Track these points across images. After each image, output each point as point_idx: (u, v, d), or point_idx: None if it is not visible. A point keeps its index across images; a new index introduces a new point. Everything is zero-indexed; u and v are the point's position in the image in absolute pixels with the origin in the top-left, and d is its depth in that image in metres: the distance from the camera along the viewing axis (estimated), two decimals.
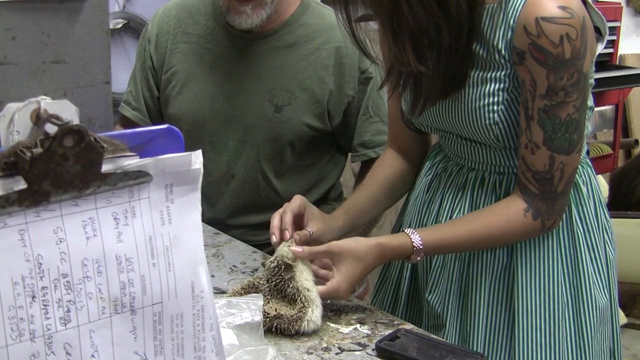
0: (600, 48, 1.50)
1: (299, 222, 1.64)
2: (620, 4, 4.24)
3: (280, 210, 1.62)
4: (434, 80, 1.48)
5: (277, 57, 2.14)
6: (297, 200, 1.64)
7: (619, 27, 4.01)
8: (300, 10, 2.18)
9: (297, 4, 2.19)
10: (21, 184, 0.89)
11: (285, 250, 1.54)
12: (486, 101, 1.48)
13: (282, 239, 1.57)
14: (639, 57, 4.94)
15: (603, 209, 1.66)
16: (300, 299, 1.50)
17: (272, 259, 1.57)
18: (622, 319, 3.10)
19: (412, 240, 1.51)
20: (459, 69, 1.48)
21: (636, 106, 4.89)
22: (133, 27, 3.09)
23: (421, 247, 1.51)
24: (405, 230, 1.53)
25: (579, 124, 1.47)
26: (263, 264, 1.64)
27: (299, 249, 1.53)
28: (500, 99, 1.48)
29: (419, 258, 1.53)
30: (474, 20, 1.44)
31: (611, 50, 4.00)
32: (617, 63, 4.43)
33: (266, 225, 1.65)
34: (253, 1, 2.02)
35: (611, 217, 1.71)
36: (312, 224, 1.64)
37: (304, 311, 1.49)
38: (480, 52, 1.48)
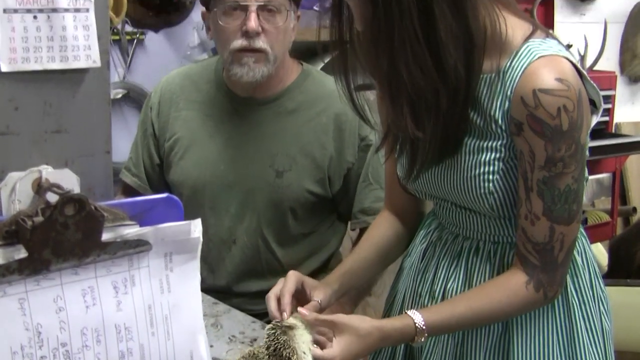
0: (595, 120, 1.51)
1: (300, 296, 1.63)
2: (614, 72, 4.29)
3: (276, 291, 1.61)
4: (430, 145, 1.49)
5: (278, 123, 2.16)
6: (293, 279, 1.63)
7: (614, 95, 4.05)
8: (302, 78, 2.21)
9: (298, 71, 2.22)
10: (22, 253, 0.90)
11: (287, 312, 1.54)
12: (482, 170, 1.49)
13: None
14: (635, 125, 4.98)
15: (598, 279, 1.66)
16: None
17: (272, 324, 1.56)
18: None
19: (415, 320, 1.49)
20: (454, 134, 1.49)
21: (633, 174, 4.91)
22: (133, 97, 3.13)
23: (424, 327, 1.49)
24: (407, 312, 1.52)
25: (578, 194, 1.47)
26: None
27: (306, 312, 1.52)
28: (496, 168, 1.48)
29: (422, 339, 1.51)
30: (471, 86, 1.45)
31: (607, 118, 4.03)
32: (613, 131, 4.46)
33: (265, 294, 1.64)
34: (257, 54, 2.05)
35: (611, 285, 1.70)
36: (317, 293, 1.63)
37: None
38: (477, 120, 1.48)
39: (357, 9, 1.44)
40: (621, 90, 4.85)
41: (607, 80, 3.96)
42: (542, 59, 1.41)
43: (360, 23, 1.45)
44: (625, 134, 4.62)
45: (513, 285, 1.50)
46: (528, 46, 1.43)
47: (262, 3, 2.02)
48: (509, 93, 1.43)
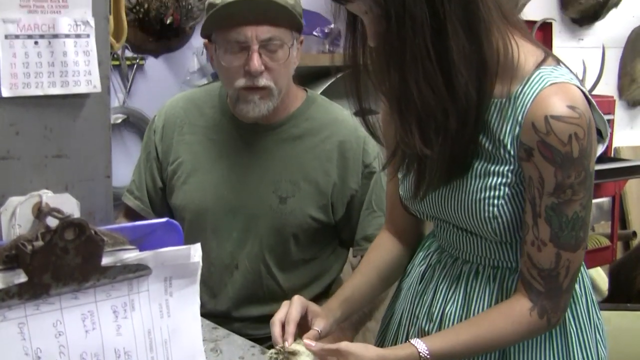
0: (600, 150, 1.51)
1: (302, 321, 1.62)
2: (613, 97, 4.31)
3: (280, 316, 1.61)
4: (438, 164, 1.48)
5: (282, 149, 2.16)
6: (298, 305, 1.62)
7: (613, 119, 4.06)
8: (306, 105, 2.22)
9: (303, 98, 2.23)
10: (22, 277, 0.90)
11: (290, 341, 1.54)
12: (487, 194, 1.49)
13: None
14: (634, 149, 4.99)
15: (595, 306, 1.66)
16: None
17: (275, 349, 1.56)
18: None
19: (419, 349, 1.49)
20: (463, 156, 1.49)
21: (633, 198, 4.91)
22: (133, 122, 3.13)
23: (428, 356, 1.49)
24: (411, 340, 1.52)
25: (585, 221, 1.47)
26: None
27: (311, 343, 1.53)
28: (502, 193, 1.48)
29: None
30: (482, 109, 1.45)
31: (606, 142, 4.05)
32: (612, 155, 4.47)
33: (267, 319, 1.64)
34: (262, 91, 2.05)
35: (611, 309, 1.70)
36: (318, 321, 1.63)
37: None
38: (486, 144, 1.48)
39: (370, 25, 1.44)
40: (620, 114, 4.87)
41: (606, 105, 3.97)
42: (554, 86, 1.41)
43: (373, 39, 1.46)
44: (624, 158, 4.63)
45: (517, 312, 1.50)
46: (540, 73, 1.44)
47: (264, 41, 2.01)
48: (519, 118, 1.43)
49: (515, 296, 1.52)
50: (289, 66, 2.09)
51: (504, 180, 1.47)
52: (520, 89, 1.44)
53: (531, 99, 1.41)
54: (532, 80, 1.43)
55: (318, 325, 1.62)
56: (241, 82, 2.04)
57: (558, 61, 1.49)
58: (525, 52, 1.46)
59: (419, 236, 1.82)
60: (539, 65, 1.45)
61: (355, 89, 1.55)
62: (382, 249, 1.81)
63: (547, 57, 1.48)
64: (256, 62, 2.00)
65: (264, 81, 2.03)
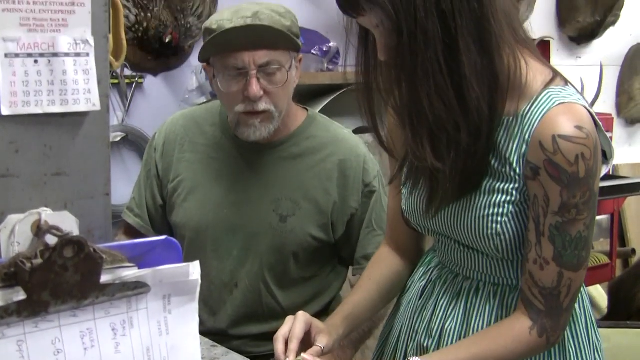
0: (604, 171, 1.51)
1: (305, 337, 1.62)
2: (611, 115, 4.32)
3: (284, 332, 1.60)
4: (450, 179, 1.48)
5: (282, 168, 2.16)
6: (302, 322, 1.62)
7: (611, 137, 4.07)
8: (307, 123, 2.22)
9: (303, 117, 2.23)
10: (21, 295, 0.90)
11: (292, 358, 1.54)
12: (491, 211, 1.49)
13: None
14: (632, 167, 5.00)
15: (594, 327, 1.65)
16: None
17: None
18: None
19: None
20: (475, 171, 1.49)
21: (632, 215, 4.91)
22: (132, 140, 3.14)
23: None
24: (410, 358, 1.52)
25: (588, 241, 1.47)
26: None
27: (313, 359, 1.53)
28: (506, 210, 1.48)
29: None
30: (494, 124, 1.45)
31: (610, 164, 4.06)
32: (611, 173, 4.48)
33: (266, 337, 1.64)
34: (262, 114, 2.06)
35: (611, 327, 1.70)
36: (321, 338, 1.62)
37: None
38: (493, 162, 1.48)
39: (381, 38, 1.45)
40: (618, 132, 4.88)
41: (604, 123, 3.94)
42: (562, 106, 1.41)
43: (384, 53, 1.46)
44: (623, 175, 4.63)
45: (517, 330, 1.50)
46: (548, 92, 1.44)
47: (262, 66, 2.01)
48: (526, 137, 1.43)
49: (515, 314, 1.52)
50: (288, 88, 2.09)
51: (508, 198, 1.47)
52: (528, 108, 1.44)
53: (539, 118, 1.42)
54: (540, 100, 1.43)
55: (321, 342, 1.61)
56: (241, 107, 2.04)
57: (566, 82, 1.49)
58: (534, 71, 1.47)
59: (419, 251, 1.82)
60: (547, 85, 1.45)
61: (368, 104, 1.55)
62: (383, 264, 1.81)
63: (556, 77, 1.48)
64: (255, 88, 2.00)
65: (263, 105, 2.03)
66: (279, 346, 1.58)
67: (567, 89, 1.46)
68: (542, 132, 1.41)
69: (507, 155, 1.46)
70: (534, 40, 3.40)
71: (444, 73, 1.39)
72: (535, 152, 1.42)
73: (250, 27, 1.98)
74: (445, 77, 1.39)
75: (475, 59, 1.39)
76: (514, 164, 1.45)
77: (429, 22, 1.36)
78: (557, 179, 1.40)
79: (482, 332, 1.56)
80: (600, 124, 1.47)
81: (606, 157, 1.51)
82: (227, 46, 2.01)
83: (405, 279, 1.81)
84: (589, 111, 1.44)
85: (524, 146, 1.44)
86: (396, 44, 1.40)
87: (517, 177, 1.46)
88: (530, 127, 1.43)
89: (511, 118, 1.46)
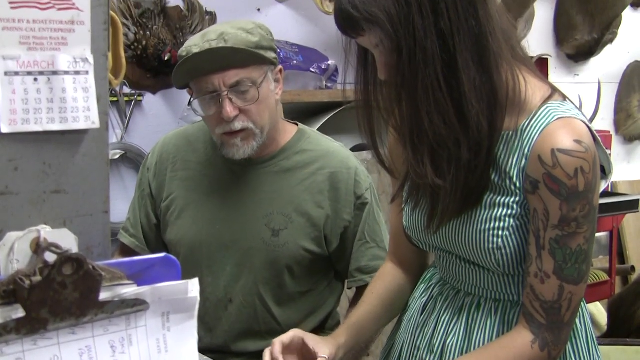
0: (603, 186, 1.52)
1: (305, 352, 1.62)
2: (609, 132, 4.33)
3: (273, 350, 1.60)
4: (451, 195, 1.49)
5: (273, 182, 2.17)
6: (290, 333, 1.62)
7: (610, 154, 4.08)
8: (297, 138, 2.23)
9: (293, 131, 2.24)
10: (19, 312, 0.90)
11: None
12: (492, 225, 1.49)
13: None
14: (631, 184, 5.00)
15: (594, 343, 1.65)
16: None
17: None
18: None
19: None
20: (476, 187, 1.49)
21: (630, 232, 4.91)
22: (130, 157, 3.15)
23: None
24: None
25: (588, 255, 1.47)
26: None
27: None
28: (507, 224, 1.49)
29: None
30: (493, 140, 1.46)
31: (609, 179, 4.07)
32: (610, 190, 4.48)
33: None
34: (241, 133, 2.06)
35: (611, 344, 1.70)
36: (322, 348, 1.62)
37: None
38: (493, 176, 1.49)
39: (381, 57, 1.46)
40: (617, 149, 4.89)
41: (602, 140, 3.97)
42: (560, 120, 1.43)
43: (384, 72, 1.47)
44: (621, 192, 4.64)
45: (519, 344, 1.50)
46: (547, 107, 1.45)
47: (233, 85, 2.02)
48: (526, 151, 1.44)
49: (517, 329, 1.52)
50: (267, 101, 2.09)
51: (509, 212, 1.48)
52: (527, 123, 1.45)
53: (538, 132, 1.43)
54: (540, 114, 1.44)
55: (323, 352, 1.61)
56: (220, 128, 2.06)
57: (564, 97, 1.50)
58: (533, 87, 1.48)
59: (423, 267, 1.82)
60: (546, 100, 1.47)
61: (368, 124, 1.56)
62: (386, 279, 1.82)
63: (554, 92, 1.49)
64: (228, 109, 2.02)
65: (240, 124, 2.05)
66: (265, 354, 1.59)
67: (566, 104, 1.47)
68: (541, 146, 1.42)
69: (507, 169, 1.47)
70: (532, 57, 3.42)
71: (444, 90, 1.40)
72: (535, 166, 1.43)
73: (213, 51, 1.99)
74: (445, 94, 1.40)
75: (474, 76, 1.40)
76: (514, 178, 1.46)
77: (427, 41, 1.37)
78: (556, 192, 1.41)
79: (483, 347, 1.56)
80: (599, 139, 1.48)
81: (605, 172, 1.51)
82: (196, 71, 2.03)
83: (408, 292, 1.81)
84: (587, 126, 1.45)
85: (524, 160, 1.45)
86: (396, 63, 1.41)
87: (517, 191, 1.46)
88: (530, 141, 1.43)
89: (511, 133, 1.47)
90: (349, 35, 1.47)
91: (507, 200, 1.48)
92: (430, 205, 1.56)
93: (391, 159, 1.67)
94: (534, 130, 1.44)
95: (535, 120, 1.44)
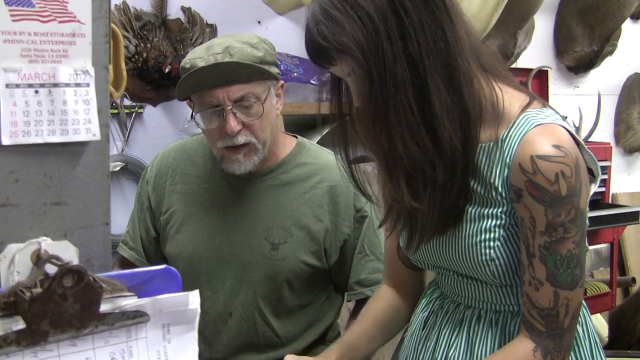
0: (593, 189, 1.53)
1: None
2: (609, 144, 4.33)
3: None
4: (428, 216, 1.50)
5: (273, 196, 2.17)
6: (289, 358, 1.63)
7: (610, 166, 4.08)
8: (296, 151, 2.23)
9: (292, 145, 2.24)
10: (20, 324, 0.90)
11: None
12: (483, 237, 1.50)
13: None
14: (631, 195, 5.00)
15: (599, 349, 1.65)
16: None
17: None
18: None
19: None
20: (454, 206, 1.50)
21: (631, 244, 4.90)
22: (131, 169, 3.14)
23: None
24: None
25: (580, 259, 1.48)
26: None
27: None
28: (497, 235, 1.49)
29: None
30: (468, 158, 1.47)
31: (603, 189, 4.06)
32: (610, 202, 4.48)
33: None
34: (244, 148, 2.07)
35: (612, 356, 1.69)
36: None
37: None
38: (478, 189, 1.50)
39: (354, 85, 1.47)
40: (617, 161, 4.89)
41: (602, 151, 4.00)
42: (539, 127, 1.44)
43: (358, 99, 1.48)
44: (622, 204, 4.64)
45: (521, 353, 1.50)
46: (525, 115, 1.46)
47: (237, 100, 2.02)
48: (507, 160, 1.45)
49: (518, 338, 1.52)
50: (269, 117, 2.09)
51: (498, 222, 1.48)
52: (507, 132, 1.46)
53: (518, 141, 1.44)
54: (518, 123, 1.46)
55: None
56: (221, 142, 2.06)
57: (544, 104, 1.51)
58: (510, 97, 1.50)
59: (419, 287, 1.83)
60: (524, 109, 1.48)
61: (344, 146, 1.57)
62: (381, 301, 1.82)
63: (532, 100, 1.51)
64: (232, 124, 2.02)
65: (243, 139, 2.05)
66: None
67: (545, 111, 1.48)
68: (521, 154, 1.43)
69: (492, 180, 1.47)
70: (532, 70, 3.41)
71: (416, 115, 1.41)
72: (517, 175, 1.43)
73: (219, 65, 1.99)
74: (417, 118, 1.41)
75: (444, 98, 1.41)
76: (499, 188, 1.47)
77: (397, 66, 1.38)
78: (539, 199, 1.41)
79: (486, 359, 1.55)
80: (582, 142, 1.48)
81: (593, 174, 1.52)
82: (200, 85, 2.03)
83: (404, 315, 1.82)
84: (568, 131, 1.45)
85: (506, 170, 1.45)
86: (368, 90, 1.43)
87: (504, 201, 1.47)
88: (510, 150, 1.44)
89: (492, 144, 1.48)
90: (321, 66, 1.48)
91: (494, 211, 1.49)
92: (409, 227, 1.57)
93: (382, 184, 1.68)
94: (513, 139, 1.45)
95: (515, 129, 1.45)
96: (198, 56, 2.02)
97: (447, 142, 1.43)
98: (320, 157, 2.22)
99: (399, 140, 1.42)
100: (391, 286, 1.83)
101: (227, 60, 1.99)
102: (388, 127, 1.43)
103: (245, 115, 2.03)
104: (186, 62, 2.05)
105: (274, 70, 2.08)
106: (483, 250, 1.50)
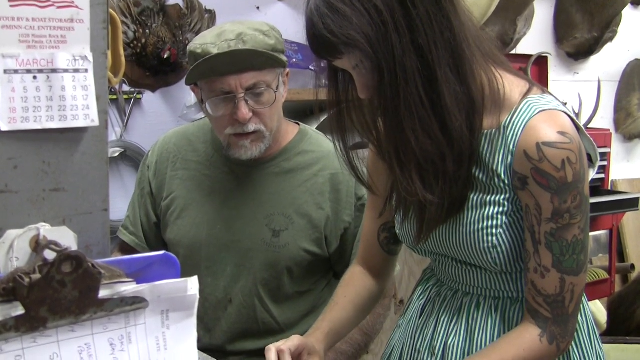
0: (592, 174, 1.53)
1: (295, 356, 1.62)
2: (609, 130, 4.33)
3: (278, 345, 1.60)
4: (439, 207, 1.50)
5: (274, 183, 2.16)
6: (296, 341, 1.63)
7: (609, 153, 4.08)
8: (298, 139, 2.23)
9: (294, 132, 2.24)
10: (19, 310, 0.90)
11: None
12: (485, 224, 1.50)
13: None
14: (631, 182, 5.00)
15: (597, 337, 1.66)
16: None
17: None
18: None
19: None
20: (460, 194, 1.50)
21: (630, 230, 4.91)
22: (130, 155, 3.14)
23: None
24: None
25: (585, 244, 1.48)
26: None
27: None
28: (499, 222, 1.49)
29: None
30: (474, 146, 1.47)
31: (602, 175, 4.06)
32: (609, 188, 4.48)
33: (262, 353, 1.64)
34: (252, 135, 2.06)
35: (610, 342, 1.70)
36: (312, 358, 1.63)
37: None
38: (480, 176, 1.50)
39: (360, 79, 1.46)
40: (616, 147, 4.89)
41: (602, 138, 3.99)
42: (542, 114, 1.43)
43: (365, 93, 1.47)
44: (621, 191, 4.64)
45: (527, 340, 1.50)
46: (527, 102, 1.46)
47: (249, 88, 2.01)
48: (511, 147, 1.45)
49: (523, 325, 1.52)
50: (278, 106, 2.10)
51: (500, 209, 1.48)
52: (509, 119, 1.46)
53: (521, 128, 1.43)
54: (521, 110, 1.45)
55: None
56: (230, 129, 2.05)
57: (543, 90, 1.51)
58: (510, 83, 1.50)
59: (392, 269, 1.87)
60: (525, 95, 1.48)
61: (341, 135, 1.57)
62: (358, 284, 1.83)
63: (532, 87, 1.50)
64: (244, 111, 2.01)
65: (253, 126, 2.04)
66: (271, 356, 1.58)
67: (545, 97, 1.48)
68: (526, 141, 1.43)
69: (494, 167, 1.47)
70: (532, 56, 3.40)
71: (426, 106, 1.41)
72: (521, 162, 1.43)
73: (233, 53, 1.98)
74: (428, 110, 1.41)
75: (454, 88, 1.41)
76: (502, 175, 1.47)
77: (406, 58, 1.38)
78: (545, 186, 1.41)
79: (492, 346, 1.55)
80: (582, 127, 1.48)
81: (592, 160, 1.52)
82: (213, 71, 2.01)
83: (376, 297, 1.84)
84: (569, 116, 1.45)
85: (510, 157, 1.45)
86: (377, 83, 1.42)
87: (506, 188, 1.47)
88: (514, 137, 1.44)
89: (494, 131, 1.47)
90: (325, 59, 1.47)
91: (497, 198, 1.48)
92: (419, 218, 1.57)
93: (370, 175, 1.67)
94: (516, 126, 1.44)
95: (517, 116, 1.45)
96: (210, 42, 2.01)
97: (457, 133, 1.42)
98: (322, 145, 2.22)
99: (410, 133, 1.42)
100: (365, 268, 1.84)
101: (240, 47, 1.98)
102: (399, 120, 1.42)
103: (256, 103, 2.03)
104: (197, 47, 2.03)
105: (284, 58, 2.08)
106: (485, 238, 1.50)
